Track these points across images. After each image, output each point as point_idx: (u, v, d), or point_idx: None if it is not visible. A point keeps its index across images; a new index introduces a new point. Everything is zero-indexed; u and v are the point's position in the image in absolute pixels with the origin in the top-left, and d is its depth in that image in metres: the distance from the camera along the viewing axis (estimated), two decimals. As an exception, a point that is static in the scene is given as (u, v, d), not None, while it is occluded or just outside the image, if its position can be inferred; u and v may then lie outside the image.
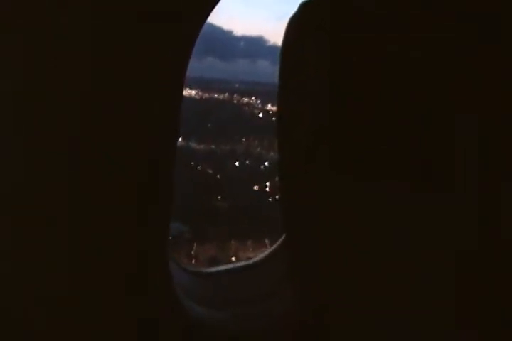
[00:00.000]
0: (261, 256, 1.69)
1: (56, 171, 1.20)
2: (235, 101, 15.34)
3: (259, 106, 15.30)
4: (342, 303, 0.94)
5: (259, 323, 1.55)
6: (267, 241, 12.26)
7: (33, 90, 1.14)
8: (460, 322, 0.85)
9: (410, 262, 0.87)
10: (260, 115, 15.41)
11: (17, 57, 1.12)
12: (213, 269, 1.73)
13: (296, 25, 0.96)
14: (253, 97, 14.99)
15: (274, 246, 1.69)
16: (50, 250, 1.22)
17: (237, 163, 14.50)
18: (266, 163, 14.88)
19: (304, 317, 1.05)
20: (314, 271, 0.98)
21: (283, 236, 1.55)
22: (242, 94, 15.06)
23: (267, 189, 14.31)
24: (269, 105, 15.16)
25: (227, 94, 14.84)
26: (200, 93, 13.48)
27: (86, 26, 1.15)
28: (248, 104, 15.26)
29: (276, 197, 13.42)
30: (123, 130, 1.21)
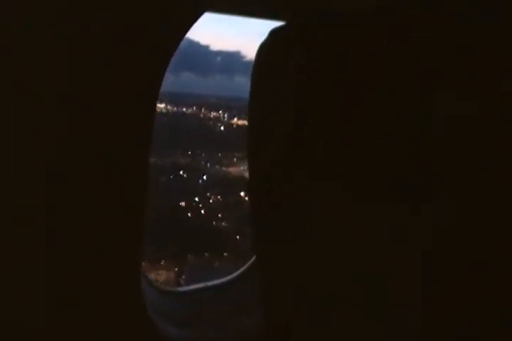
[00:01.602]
0: (232, 275, 1.75)
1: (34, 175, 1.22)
2: (201, 115, 15.28)
3: (225, 120, 15.22)
4: (311, 321, 0.93)
5: None
6: (163, 262, 11.46)
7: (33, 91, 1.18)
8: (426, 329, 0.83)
9: (392, 277, 0.85)
10: (222, 128, 15.14)
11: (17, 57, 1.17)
12: (186, 288, 1.76)
13: (266, 51, 0.99)
14: (220, 111, 15.04)
15: (245, 266, 1.73)
16: (44, 250, 1.25)
17: (171, 177, 13.63)
18: (204, 177, 14.20)
19: (272, 334, 1.04)
20: (286, 288, 0.96)
21: (253, 257, 1.54)
22: (211, 109, 15.02)
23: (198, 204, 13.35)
24: (235, 119, 15.01)
25: (195, 108, 14.97)
26: (168, 106, 13.67)
27: (68, 39, 1.18)
28: (214, 118, 15.21)
29: (202, 211, 13.31)
30: (97, 140, 1.23)
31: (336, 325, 0.90)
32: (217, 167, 14.81)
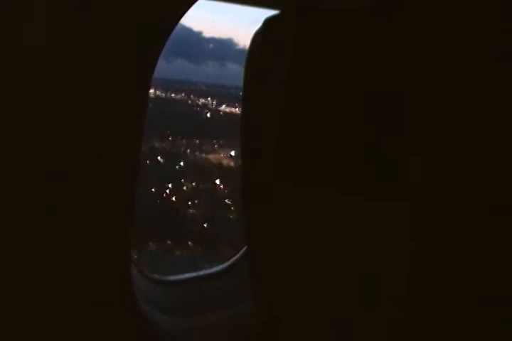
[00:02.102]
0: (223, 265, 1.80)
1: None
2: (189, 102, 14.99)
3: (213, 107, 14.91)
4: (297, 314, 0.94)
5: (221, 332, 1.64)
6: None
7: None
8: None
9: (373, 274, 0.86)
10: (208, 115, 14.79)
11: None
12: (176, 277, 1.77)
13: (260, 40, 1.00)
14: (209, 98, 14.86)
15: (237, 256, 1.80)
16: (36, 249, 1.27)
17: (148, 162, 12.76)
18: (181, 163, 13.79)
19: (259, 327, 1.04)
20: (273, 280, 0.98)
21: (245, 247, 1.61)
22: (200, 95, 14.82)
23: (167, 191, 12.67)
24: (223, 106, 14.66)
25: (183, 94, 14.77)
26: (157, 92, 13.32)
27: (63, 27, 1.17)
28: (202, 104, 14.95)
29: (173, 198, 12.68)
30: (91, 127, 1.25)
31: (326, 319, 0.90)
32: (196, 153, 14.58)
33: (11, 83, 1.19)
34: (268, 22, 0.99)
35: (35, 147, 1.21)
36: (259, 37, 1.01)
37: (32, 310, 1.28)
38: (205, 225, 12.47)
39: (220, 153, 14.70)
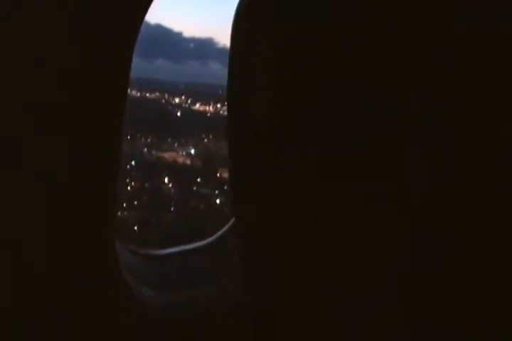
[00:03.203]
0: (213, 237, 1.75)
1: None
2: (163, 101, 14.99)
3: (186, 106, 15.04)
4: (288, 292, 0.92)
5: (213, 306, 1.60)
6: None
7: None
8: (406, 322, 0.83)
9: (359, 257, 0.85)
10: (179, 114, 14.83)
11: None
12: (164, 251, 1.73)
13: (244, 16, 0.95)
14: (183, 97, 14.92)
15: (225, 228, 1.73)
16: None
17: None
18: (132, 162, 13.39)
19: (251, 300, 1.03)
20: (261, 256, 0.96)
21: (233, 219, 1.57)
22: (175, 94, 14.83)
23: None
24: (198, 105, 14.77)
25: (158, 94, 14.72)
26: (132, 92, 13.04)
27: (32, 25, 1.13)
28: (176, 103, 14.99)
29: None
30: (67, 128, 1.21)
31: (320, 299, 0.89)
32: (153, 152, 14.38)
33: None
34: None
35: (13, 144, 1.24)
36: (243, 12, 0.95)
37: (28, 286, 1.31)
38: (135, 228, 11.98)
39: (178, 152, 14.63)
